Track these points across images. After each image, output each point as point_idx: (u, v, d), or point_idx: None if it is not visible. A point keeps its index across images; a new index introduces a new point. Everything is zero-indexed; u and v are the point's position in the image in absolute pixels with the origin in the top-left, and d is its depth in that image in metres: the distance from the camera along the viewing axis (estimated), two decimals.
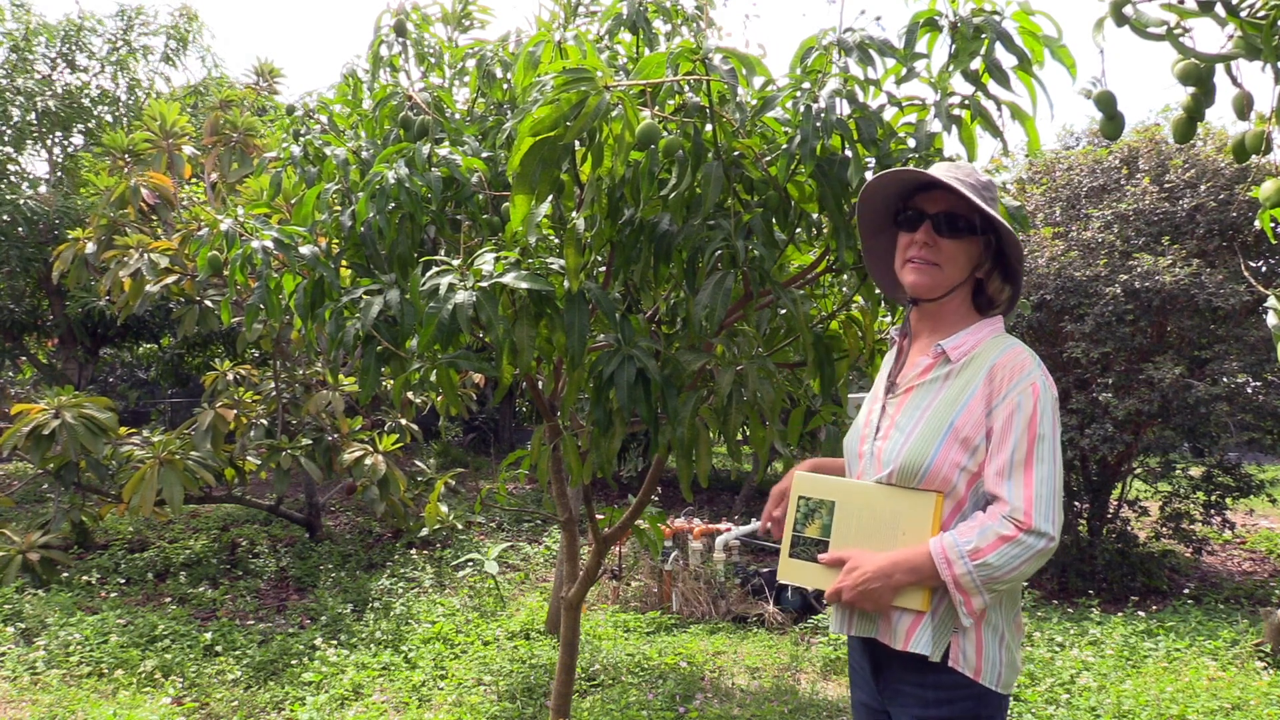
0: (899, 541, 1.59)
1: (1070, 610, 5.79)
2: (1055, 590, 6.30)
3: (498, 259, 2.14)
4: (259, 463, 6.36)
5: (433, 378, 2.44)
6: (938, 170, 1.69)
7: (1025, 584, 4.48)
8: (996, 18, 1.95)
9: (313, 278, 2.59)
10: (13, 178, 10.08)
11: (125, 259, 5.66)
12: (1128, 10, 1.51)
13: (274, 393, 6.55)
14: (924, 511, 1.58)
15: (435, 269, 2.16)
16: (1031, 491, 1.50)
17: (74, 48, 10.43)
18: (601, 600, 6.02)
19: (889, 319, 2.84)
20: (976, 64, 2.00)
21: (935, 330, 1.71)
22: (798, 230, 2.34)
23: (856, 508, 1.65)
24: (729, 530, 6.19)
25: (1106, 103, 1.67)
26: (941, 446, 1.58)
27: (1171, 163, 6.51)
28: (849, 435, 1.81)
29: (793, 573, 1.72)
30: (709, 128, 2.05)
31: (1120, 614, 5.57)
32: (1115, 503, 6.87)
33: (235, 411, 6.23)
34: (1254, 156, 1.69)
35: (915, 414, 1.64)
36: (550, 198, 2.08)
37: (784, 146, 2.12)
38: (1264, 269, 6.72)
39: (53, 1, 36.66)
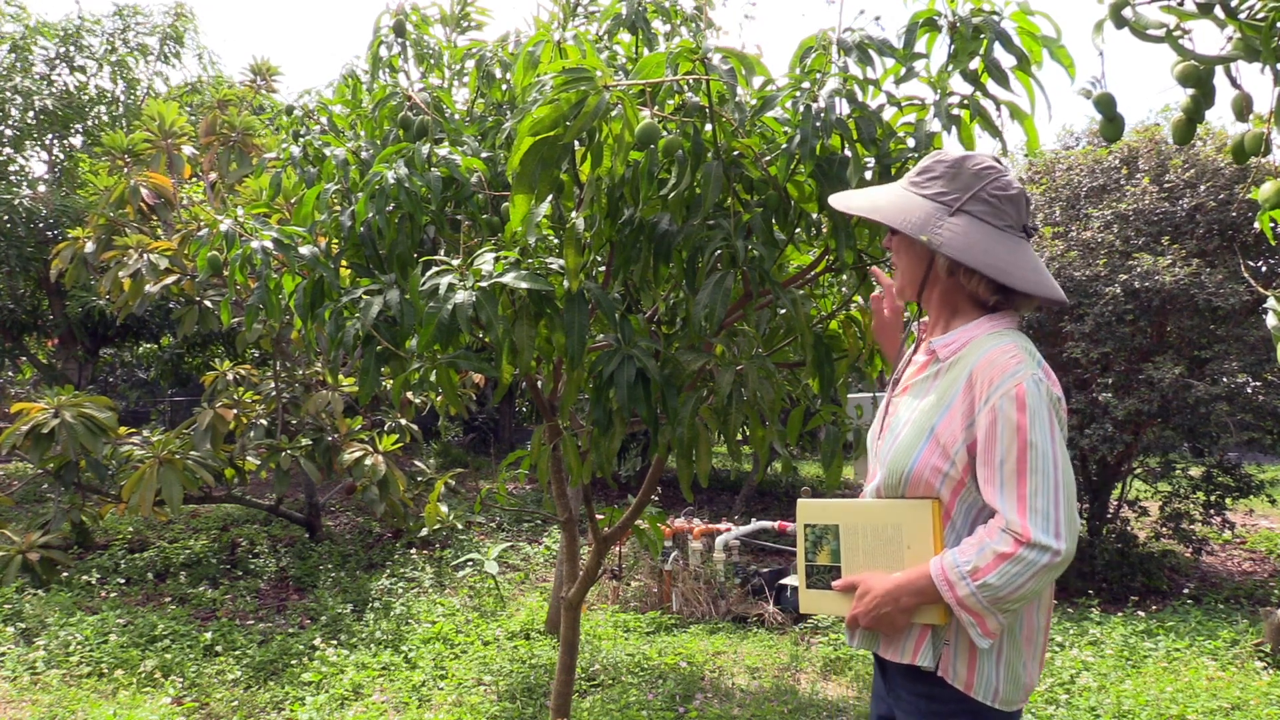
0: (906, 556, 1.55)
1: (1070, 610, 5.79)
2: (1055, 590, 6.30)
3: (497, 259, 2.14)
4: (259, 463, 6.36)
5: (432, 378, 2.44)
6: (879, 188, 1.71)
7: None
8: (995, 18, 1.95)
9: (312, 278, 2.59)
10: (13, 178, 10.09)
11: (125, 259, 5.66)
12: (1127, 12, 1.51)
13: (274, 393, 6.55)
14: (924, 521, 1.54)
15: (435, 269, 2.16)
16: (1026, 504, 1.41)
17: (73, 48, 10.44)
18: (601, 600, 6.03)
19: None
20: (975, 64, 2.01)
21: (935, 327, 1.68)
22: (797, 230, 2.34)
23: (859, 528, 1.62)
24: (729, 530, 6.19)
25: (1106, 105, 1.67)
26: (922, 452, 1.54)
27: (1171, 163, 6.51)
28: (872, 427, 1.80)
29: (813, 603, 1.69)
30: (709, 127, 2.05)
31: (1120, 614, 5.57)
32: (1115, 503, 6.87)
33: (235, 411, 6.23)
34: (1253, 157, 1.69)
35: (905, 415, 1.62)
36: (550, 198, 2.08)
37: (784, 146, 2.13)
38: (1264, 269, 6.72)
39: (53, 2, 36.65)
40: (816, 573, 1.68)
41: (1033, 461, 1.42)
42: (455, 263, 2.16)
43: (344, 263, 2.76)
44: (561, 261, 2.25)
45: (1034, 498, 1.41)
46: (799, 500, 1.74)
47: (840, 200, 1.71)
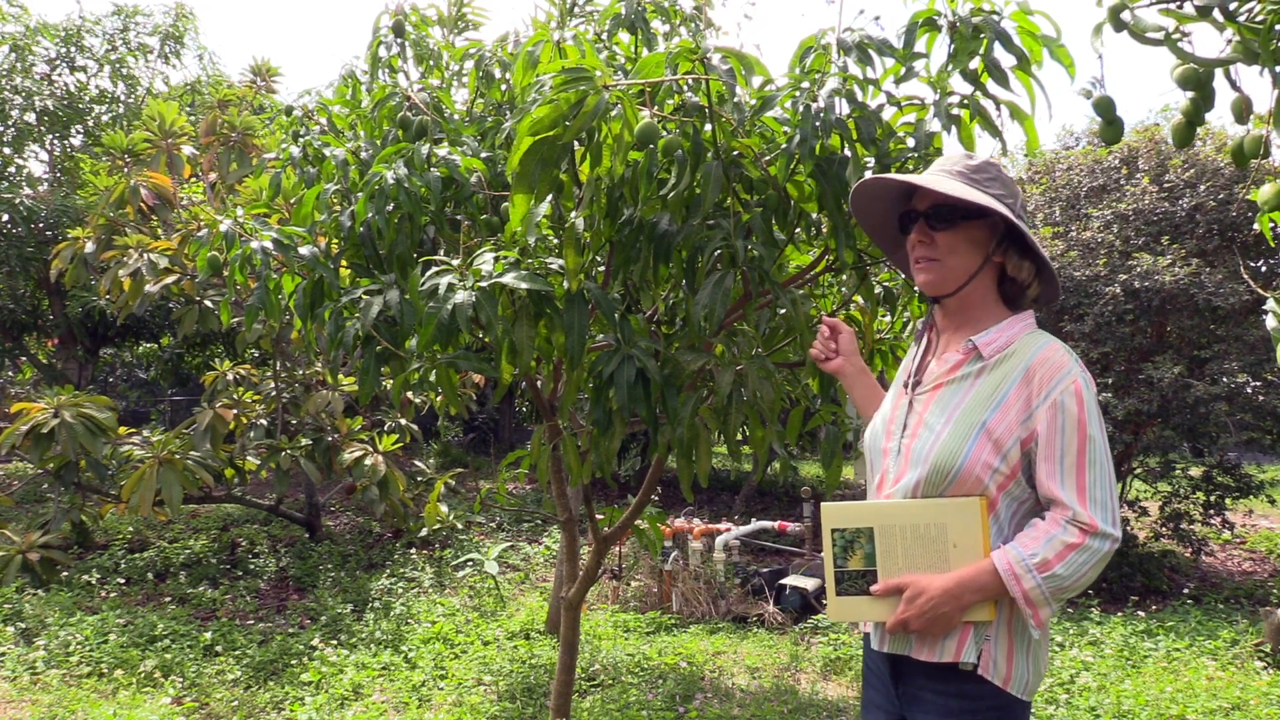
0: (952, 555, 1.51)
1: (1070, 610, 5.79)
2: None
3: (497, 259, 2.14)
4: (259, 463, 6.36)
5: (432, 378, 2.44)
6: (931, 171, 1.66)
7: None
8: (995, 17, 1.95)
9: (312, 278, 2.59)
10: (12, 178, 10.09)
11: (125, 259, 5.66)
12: (1126, 16, 1.51)
13: (274, 393, 6.55)
14: (971, 519, 1.51)
15: (435, 269, 2.16)
16: (1087, 494, 1.46)
17: (73, 48, 10.44)
18: (601, 600, 6.03)
19: (888, 319, 2.84)
20: (975, 64, 2.00)
21: (963, 325, 1.66)
22: (797, 230, 2.34)
23: (897, 529, 1.56)
24: (729, 530, 6.19)
25: (1105, 107, 1.67)
26: (974, 447, 1.52)
27: (1171, 162, 6.51)
28: (871, 432, 1.75)
29: (844, 610, 1.62)
30: (708, 127, 2.05)
31: (1120, 614, 5.58)
32: None
33: (235, 411, 6.22)
34: (1253, 159, 1.69)
35: (945, 412, 1.58)
36: (549, 197, 2.08)
37: (783, 146, 2.12)
38: (1264, 269, 6.72)
39: (54, 2, 36.65)
40: (848, 578, 1.61)
41: (1091, 454, 1.49)
42: (455, 263, 2.16)
43: (344, 263, 2.76)
44: (561, 261, 2.25)
45: (1093, 488, 1.48)
46: (823, 505, 1.67)
47: (941, 185, 1.58)
